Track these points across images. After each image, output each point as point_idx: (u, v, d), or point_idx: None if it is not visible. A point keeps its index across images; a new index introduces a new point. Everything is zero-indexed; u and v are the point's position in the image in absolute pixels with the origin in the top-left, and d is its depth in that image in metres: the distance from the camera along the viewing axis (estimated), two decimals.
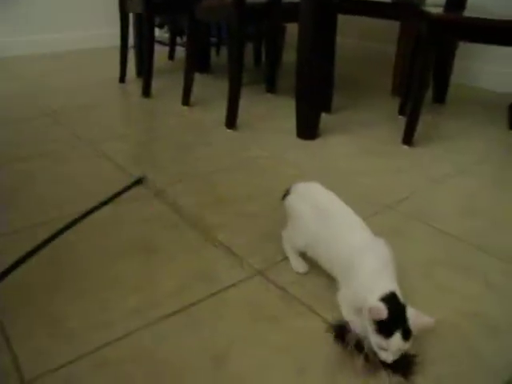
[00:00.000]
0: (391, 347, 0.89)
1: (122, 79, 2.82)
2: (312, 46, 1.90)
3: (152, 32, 2.52)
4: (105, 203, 1.14)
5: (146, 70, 2.55)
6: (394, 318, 0.90)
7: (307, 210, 1.18)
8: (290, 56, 2.01)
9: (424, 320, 0.92)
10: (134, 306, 1.09)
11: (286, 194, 1.25)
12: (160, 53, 3.40)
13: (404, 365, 0.92)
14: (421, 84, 1.94)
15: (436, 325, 1.03)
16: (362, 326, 0.94)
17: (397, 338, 0.89)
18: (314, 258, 1.18)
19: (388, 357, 0.90)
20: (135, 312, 1.07)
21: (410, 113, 1.96)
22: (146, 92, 2.58)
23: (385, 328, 0.89)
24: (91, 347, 0.98)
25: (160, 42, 3.80)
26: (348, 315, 1.01)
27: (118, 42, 2.74)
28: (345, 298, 1.04)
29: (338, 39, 2.23)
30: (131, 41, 2.83)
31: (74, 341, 0.99)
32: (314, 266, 1.21)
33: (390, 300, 0.92)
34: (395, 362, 0.91)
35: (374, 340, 0.91)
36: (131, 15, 2.75)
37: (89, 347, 0.98)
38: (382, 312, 0.89)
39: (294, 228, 1.22)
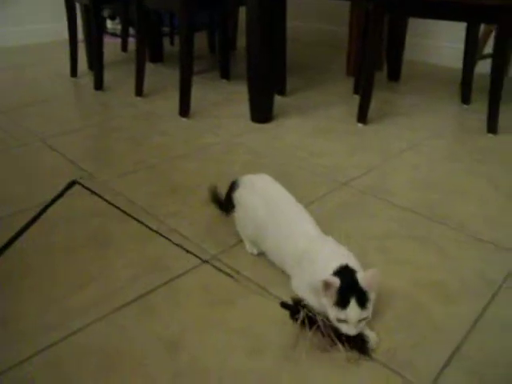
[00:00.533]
0: (350, 317, 0.89)
1: (74, 73, 2.75)
2: (261, 31, 1.88)
3: (100, 23, 2.46)
4: (38, 215, 1.11)
5: (96, 63, 2.49)
6: (346, 287, 0.90)
7: (256, 203, 1.16)
8: (244, 41, 2.00)
9: (370, 274, 0.93)
10: (87, 301, 1.06)
11: (233, 186, 1.24)
12: (113, 45, 3.34)
13: (361, 341, 0.93)
14: (370, 62, 1.95)
15: (392, 296, 1.05)
16: (320, 305, 0.94)
17: (353, 305, 0.89)
18: (262, 248, 1.17)
19: (349, 330, 0.90)
20: (89, 306, 1.05)
21: (363, 91, 1.97)
22: (99, 85, 2.52)
23: (340, 299, 0.90)
24: (43, 346, 0.95)
25: (113, 34, 3.73)
26: (306, 298, 1.00)
27: (67, 35, 2.67)
28: (301, 283, 1.04)
29: (291, 23, 2.22)
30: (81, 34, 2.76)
31: (26, 341, 0.96)
32: None
33: (341, 271, 0.93)
34: (352, 338, 0.91)
35: (333, 314, 0.91)
36: (78, 7, 2.68)
37: (41, 346, 0.95)
38: (334, 281, 0.89)
39: (244, 218, 1.21)
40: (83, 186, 0.98)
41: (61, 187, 1.49)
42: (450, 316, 1.02)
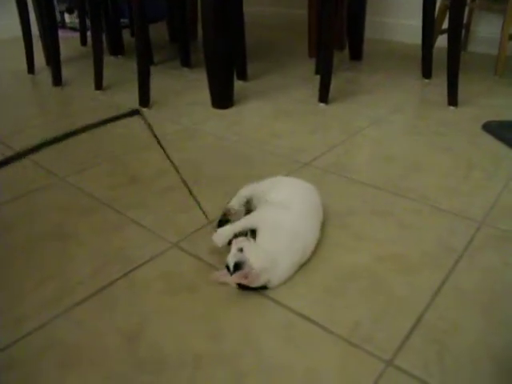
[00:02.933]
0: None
1: (31, 70, 2.68)
2: (215, 17, 1.85)
3: (53, 16, 2.39)
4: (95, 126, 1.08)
5: (53, 58, 2.43)
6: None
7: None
8: None
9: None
10: (45, 297, 1.04)
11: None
12: (72, 39, 3.27)
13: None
14: (328, 38, 1.93)
15: (353, 272, 1.05)
16: None
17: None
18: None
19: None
20: (47, 302, 1.02)
21: (323, 69, 1.96)
22: (57, 80, 2.46)
23: None
24: (1, 345, 0.92)
25: (71, 28, 3.65)
26: None
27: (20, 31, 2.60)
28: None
29: (251, 8, 2.20)
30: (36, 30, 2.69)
31: None
32: None
33: None
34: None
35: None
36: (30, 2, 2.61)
37: None
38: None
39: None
40: (143, 118, 0.96)
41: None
42: (411, 287, 1.02)
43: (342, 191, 1.38)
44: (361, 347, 0.88)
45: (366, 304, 0.98)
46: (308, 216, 1.13)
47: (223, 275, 1.01)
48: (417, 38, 2.38)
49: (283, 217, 1.09)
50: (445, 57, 1.87)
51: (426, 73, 2.26)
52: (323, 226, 1.19)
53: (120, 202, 1.37)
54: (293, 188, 1.21)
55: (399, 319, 0.94)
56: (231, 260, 1.00)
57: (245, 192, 1.22)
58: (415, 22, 2.54)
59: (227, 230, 1.10)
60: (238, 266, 0.98)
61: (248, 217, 1.12)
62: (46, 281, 1.09)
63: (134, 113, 1.16)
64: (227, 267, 1.01)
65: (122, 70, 2.65)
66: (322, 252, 1.11)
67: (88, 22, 3.23)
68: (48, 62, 2.76)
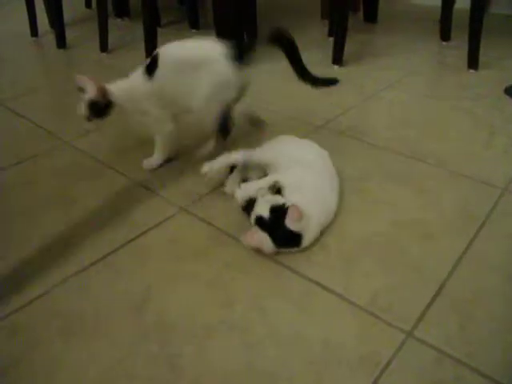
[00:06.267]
0: None
1: (34, 33, 2.60)
2: None
3: None
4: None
5: (57, 20, 2.35)
6: None
7: None
8: None
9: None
10: (49, 263, 1.00)
11: None
12: (76, 1, 3.16)
13: None
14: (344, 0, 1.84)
15: (370, 238, 1.00)
16: None
17: None
18: None
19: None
20: (51, 268, 0.99)
21: (337, 30, 1.88)
22: (61, 43, 2.38)
23: None
24: (4, 313, 0.89)
25: None
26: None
27: None
28: None
29: None
30: None
31: None
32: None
33: None
34: None
35: None
36: None
37: (2, 313, 0.89)
38: None
39: None
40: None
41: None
42: (431, 255, 0.97)
43: (358, 155, 1.32)
44: (380, 317, 0.84)
45: (384, 272, 0.93)
46: (329, 178, 1.08)
47: (255, 235, 0.95)
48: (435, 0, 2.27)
49: (309, 177, 1.03)
50: (464, 19, 1.78)
51: (445, 35, 2.16)
52: (340, 189, 1.13)
53: (126, 166, 1.32)
54: (308, 149, 1.15)
55: (419, 288, 0.89)
56: (263, 206, 0.95)
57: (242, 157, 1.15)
58: None
59: (252, 186, 1.03)
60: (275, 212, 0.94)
61: (273, 175, 1.06)
62: (49, 247, 1.05)
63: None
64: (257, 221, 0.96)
65: (127, 32, 2.56)
66: (338, 218, 1.06)
67: None
68: (52, 25, 2.68)
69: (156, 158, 1.28)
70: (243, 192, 1.03)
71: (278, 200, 0.95)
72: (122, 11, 2.85)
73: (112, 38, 2.28)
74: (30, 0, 2.51)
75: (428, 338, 0.80)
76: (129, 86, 1.17)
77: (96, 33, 2.29)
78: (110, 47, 2.28)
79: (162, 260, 0.99)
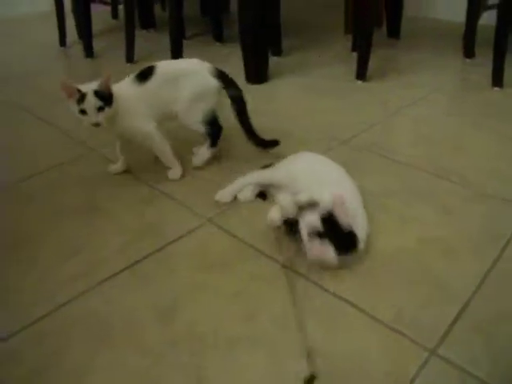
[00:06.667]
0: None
1: (63, 42, 2.67)
2: None
3: None
4: None
5: (85, 30, 2.41)
6: None
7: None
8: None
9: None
10: (77, 270, 1.02)
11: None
12: (103, 13, 3.24)
13: None
14: (368, 13, 1.86)
15: (395, 254, 1.01)
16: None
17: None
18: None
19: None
20: (79, 276, 1.01)
21: (361, 45, 1.90)
22: (89, 53, 2.44)
23: None
24: (33, 318, 0.91)
25: (102, 2, 3.61)
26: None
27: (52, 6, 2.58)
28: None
29: None
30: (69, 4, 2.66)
31: (14, 314, 0.93)
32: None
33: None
34: None
35: None
36: None
37: (30, 319, 0.91)
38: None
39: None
40: None
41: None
42: (456, 273, 0.97)
43: (381, 171, 1.32)
44: (404, 334, 0.84)
45: (409, 289, 0.93)
46: (356, 194, 1.09)
47: (319, 247, 0.94)
48: (458, 16, 2.28)
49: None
50: (489, 35, 1.78)
51: (469, 52, 2.16)
52: (365, 205, 1.13)
53: (151, 176, 1.34)
54: (332, 167, 1.16)
55: (444, 306, 0.89)
56: (312, 218, 0.95)
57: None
58: None
59: (289, 204, 1.03)
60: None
61: (306, 193, 1.04)
62: (77, 254, 1.07)
63: None
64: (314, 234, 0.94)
65: (153, 44, 2.61)
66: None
67: None
68: (80, 36, 2.74)
69: (174, 170, 1.34)
70: (283, 212, 1.03)
71: (323, 209, 0.95)
72: (148, 23, 2.91)
73: (138, 49, 2.33)
74: (60, 11, 2.58)
75: (452, 356, 0.80)
76: (120, 88, 1.25)
77: (122, 43, 2.34)
78: (135, 58, 2.32)
79: (189, 270, 1.01)
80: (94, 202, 1.25)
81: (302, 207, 0.98)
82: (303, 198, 1.00)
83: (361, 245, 0.97)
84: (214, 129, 1.34)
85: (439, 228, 1.10)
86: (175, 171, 1.33)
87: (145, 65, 1.31)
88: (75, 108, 1.17)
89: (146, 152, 1.37)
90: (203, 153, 1.36)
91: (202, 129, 1.33)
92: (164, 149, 1.31)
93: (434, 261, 1.00)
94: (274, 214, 1.04)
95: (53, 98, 1.95)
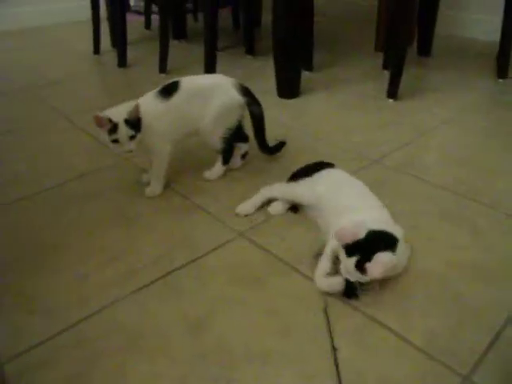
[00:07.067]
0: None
1: (97, 50, 2.72)
2: (287, 3, 1.81)
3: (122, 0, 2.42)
4: None
5: (120, 40, 2.46)
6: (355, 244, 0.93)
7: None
8: (268, 16, 1.94)
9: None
10: (112, 277, 1.04)
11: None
12: (136, 22, 3.30)
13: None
14: (403, 33, 1.86)
15: (425, 276, 1.01)
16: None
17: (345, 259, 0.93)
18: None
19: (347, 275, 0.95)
20: (114, 283, 1.03)
21: (394, 64, 1.90)
22: (122, 62, 2.49)
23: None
24: (68, 324, 0.93)
25: (136, 12, 3.69)
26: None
27: (89, 14, 2.64)
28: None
29: None
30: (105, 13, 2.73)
31: (50, 318, 0.95)
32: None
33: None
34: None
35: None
36: None
37: (66, 324, 0.93)
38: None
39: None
40: None
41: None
42: (487, 298, 0.96)
43: (411, 191, 1.32)
44: (436, 358, 0.84)
45: (440, 312, 0.93)
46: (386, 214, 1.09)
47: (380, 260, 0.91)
48: (492, 35, 2.27)
49: (382, 217, 1.05)
50: None
51: (502, 72, 2.15)
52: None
53: (186, 187, 1.37)
54: (357, 187, 1.15)
55: (476, 332, 0.89)
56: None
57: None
58: (493, 17, 2.42)
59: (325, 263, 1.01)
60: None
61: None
62: (111, 262, 1.09)
63: None
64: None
65: (185, 55, 2.65)
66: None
67: (153, 6, 3.28)
68: (113, 44, 2.80)
69: (155, 186, 1.34)
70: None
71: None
72: (180, 33, 2.96)
73: (170, 60, 2.36)
74: (96, 19, 2.64)
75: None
76: (143, 105, 1.24)
77: (154, 53, 2.38)
78: (168, 68, 2.36)
79: (221, 283, 1.02)
80: (128, 210, 1.28)
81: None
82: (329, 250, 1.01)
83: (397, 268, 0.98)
84: (229, 146, 1.37)
85: (468, 251, 1.10)
86: (156, 189, 1.33)
87: (177, 75, 1.33)
88: (107, 137, 1.19)
89: (178, 162, 1.39)
90: (217, 169, 1.39)
91: (219, 145, 1.35)
92: (164, 166, 1.32)
93: (464, 284, 1.00)
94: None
95: (86, 104, 2.00)
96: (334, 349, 0.86)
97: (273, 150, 1.45)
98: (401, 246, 0.96)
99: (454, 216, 1.22)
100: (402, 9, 1.84)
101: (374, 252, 0.91)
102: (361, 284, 0.94)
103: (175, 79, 1.31)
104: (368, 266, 0.90)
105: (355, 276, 0.93)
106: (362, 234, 0.93)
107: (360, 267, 0.91)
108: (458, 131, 1.66)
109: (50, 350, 0.88)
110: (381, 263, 0.90)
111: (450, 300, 0.96)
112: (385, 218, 1.05)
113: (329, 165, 1.24)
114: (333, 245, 0.99)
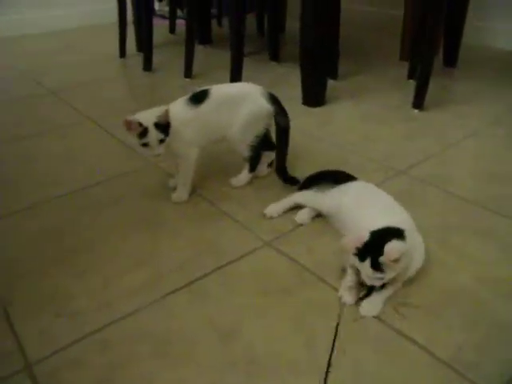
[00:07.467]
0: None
1: (123, 54, 2.75)
2: (315, 12, 1.81)
3: (149, 4, 2.44)
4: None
5: (146, 44, 2.48)
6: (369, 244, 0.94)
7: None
8: (293, 22, 1.94)
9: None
10: (138, 283, 1.05)
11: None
12: (161, 27, 3.32)
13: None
14: (431, 43, 1.85)
15: (454, 292, 1.00)
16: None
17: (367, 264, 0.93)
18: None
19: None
20: (141, 288, 1.04)
21: (421, 75, 1.88)
22: (148, 66, 2.51)
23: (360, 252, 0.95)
24: (96, 327, 0.95)
25: (160, 16, 3.72)
26: None
27: (116, 17, 2.67)
28: None
29: (344, 5, 2.14)
30: (131, 17, 2.76)
31: (78, 320, 0.96)
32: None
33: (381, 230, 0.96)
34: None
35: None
36: None
37: (93, 327, 0.95)
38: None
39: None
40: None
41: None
42: None
43: (440, 204, 1.31)
44: (464, 374, 0.83)
45: (468, 328, 0.92)
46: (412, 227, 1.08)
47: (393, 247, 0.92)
48: None
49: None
50: None
51: None
52: (423, 239, 1.13)
53: (212, 193, 1.38)
54: (383, 200, 1.15)
55: (506, 349, 0.88)
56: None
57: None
58: None
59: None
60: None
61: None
62: (137, 267, 1.10)
63: None
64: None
65: (210, 60, 2.67)
66: (422, 266, 1.06)
67: (178, 11, 3.31)
68: (139, 48, 2.83)
69: (182, 192, 1.35)
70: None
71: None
72: (205, 38, 2.98)
73: (195, 65, 2.37)
74: (123, 23, 2.67)
75: None
76: (173, 111, 1.26)
77: (179, 58, 2.40)
78: (193, 73, 2.37)
79: (248, 292, 1.02)
80: (155, 215, 1.29)
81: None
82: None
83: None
84: (256, 154, 1.38)
85: (499, 267, 1.09)
86: (182, 195, 1.35)
87: (202, 80, 1.34)
88: (137, 141, 1.21)
89: (205, 168, 1.40)
90: (243, 176, 1.40)
91: (247, 153, 1.36)
92: (191, 172, 1.34)
93: (494, 300, 0.99)
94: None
95: (112, 108, 2.02)
96: (329, 364, 0.85)
97: (286, 176, 1.38)
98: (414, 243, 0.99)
99: (484, 231, 1.20)
100: (431, 18, 1.83)
101: (382, 246, 0.92)
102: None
103: (205, 87, 1.33)
104: (381, 258, 0.91)
105: (376, 278, 0.94)
106: (366, 237, 0.95)
107: (375, 266, 0.92)
108: (485, 144, 1.64)
109: (77, 353, 0.89)
110: (392, 248, 0.91)
111: (478, 316, 0.95)
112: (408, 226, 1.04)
113: (352, 177, 1.24)
114: (349, 259, 1.00)
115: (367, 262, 0.93)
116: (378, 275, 0.93)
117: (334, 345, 0.89)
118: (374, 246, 0.93)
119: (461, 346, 0.88)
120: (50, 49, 3.05)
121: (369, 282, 0.96)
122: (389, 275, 0.94)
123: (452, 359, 0.86)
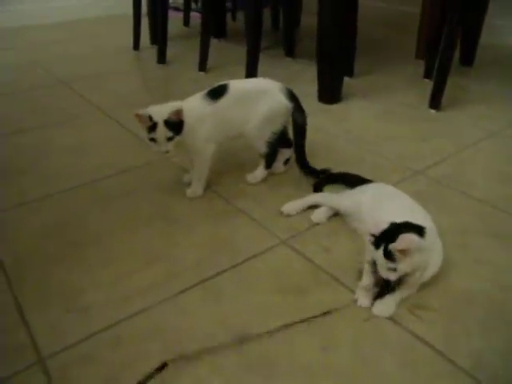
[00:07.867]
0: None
1: (136, 46, 2.74)
2: (334, 9, 1.79)
3: None
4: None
5: (160, 36, 2.47)
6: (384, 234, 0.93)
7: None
8: (308, 18, 1.92)
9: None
10: (152, 279, 1.05)
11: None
12: (175, 19, 3.30)
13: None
14: (450, 43, 1.83)
15: (473, 297, 0.98)
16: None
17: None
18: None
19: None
20: (153, 285, 1.03)
21: (438, 74, 1.86)
22: (161, 59, 2.50)
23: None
24: (109, 323, 0.94)
25: (175, 8, 3.70)
26: None
27: (130, 9, 2.65)
28: None
29: (361, 1, 2.11)
30: (145, 9, 2.74)
31: (91, 316, 0.96)
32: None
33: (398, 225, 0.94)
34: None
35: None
36: None
37: (106, 323, 0.94)
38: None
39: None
40: None
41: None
42: None
43: (458, 207, 1.29)
44: (482, 382, 0.82)
45: (488, 335, 0.91)
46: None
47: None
48: None
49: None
50: None
51: None
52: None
53: (227, 190, 1.36)
54: (402, 203, 1.13)
55: None
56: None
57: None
58: None
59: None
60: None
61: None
62: (150, 263, 1.10)
63: None
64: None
65: (225, 54, 2.65)
66: (439, 271, 1.04)
67: (192, 3, 3.29)
68: (153, 41, 2.81)
69: (197, 187, 1.34)
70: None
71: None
72: (220, 32, 2.96)
73: (210, 58, 2.36)
74: (137, 15, 2.66)
75: None
76: (189, 106, 1.25)
77: (193, 51, 2.39)
78: (207, 67, 2.36)
79: (262, 291, 1.01)
80: (169, 211, 1.28)
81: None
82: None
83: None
84: (273, 151, 1.36)
85: None
86: (197, 190, 1.34)
87: (217, 74, 1.33)
88: (145, 135, 1.20)
89: (220, 163, 1.39)
90: (259, 173, 1.39)
91: (263, 149, 1.34)
92: (206, 168, 1.32)
93: None
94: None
95: (126, 100, 2.02)
96: None
97: (309, 168, 1.39)
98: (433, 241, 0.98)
99: (504, 235, 1.18)
100: (451, 17, 1.80)
101: (397, 236, 0.90)
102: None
103: (223, 82, 1.31)
104: (391, 245, 0.90)
105: (389, 269, 0.92)
106: (384, 226, 0.94)
107: (388, 254, 0.91)
108: (504, 146, 1.62)
109: (88, 349, 0.89)
110: (404, 237, 0.89)
111: (498, 322, 0.94)
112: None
113: (369, 181, 1.24)
114: (368, 255, 0.99)
115: (381, 250, 0.92)
116: (390, 265, 0.91)
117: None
118: (389, 235, 0.92)
119: (480, 353, 0.87)
120: (63, 39, 3.05)
121: (384, 275, 0.93)
122: (401, 268, 0.91)
123: (471, 366, 0.84)
